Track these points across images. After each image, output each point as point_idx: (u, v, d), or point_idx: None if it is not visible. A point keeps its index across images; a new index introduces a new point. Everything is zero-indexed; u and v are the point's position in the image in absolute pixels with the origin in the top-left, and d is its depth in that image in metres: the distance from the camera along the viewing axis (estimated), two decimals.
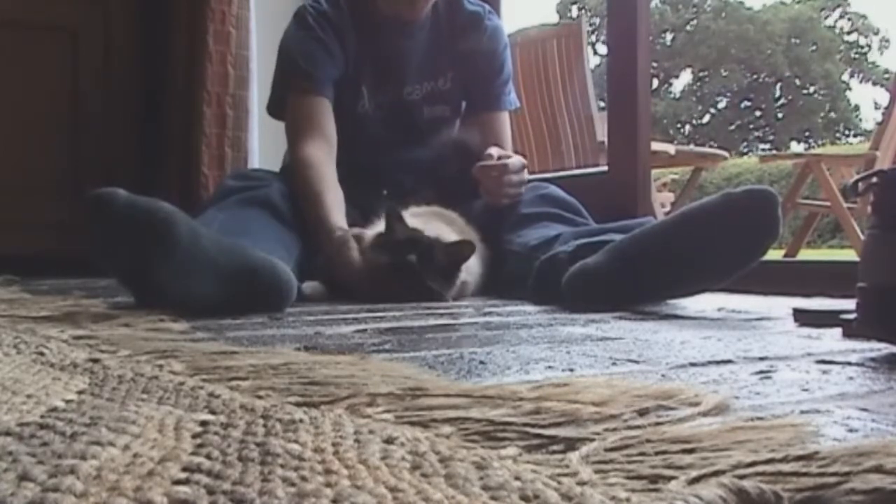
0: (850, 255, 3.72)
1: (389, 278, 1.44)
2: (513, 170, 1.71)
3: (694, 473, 0.36)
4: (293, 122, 1.78)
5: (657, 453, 0.41)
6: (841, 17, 25.13)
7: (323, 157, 1.70)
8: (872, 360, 0.79)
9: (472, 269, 1.57)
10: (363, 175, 1.80)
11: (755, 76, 24.52)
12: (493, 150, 1.70)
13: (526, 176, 1.77)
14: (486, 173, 1.69)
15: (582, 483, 0.36)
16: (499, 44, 1.93)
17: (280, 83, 1.85)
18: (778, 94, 24.90)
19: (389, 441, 0.42)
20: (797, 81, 24.31)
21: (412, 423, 0.47)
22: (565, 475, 0.37)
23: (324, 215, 1.59)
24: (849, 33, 25.07)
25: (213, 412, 0.49)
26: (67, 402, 0.52)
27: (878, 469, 0.35)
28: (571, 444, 0.43)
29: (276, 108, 1.88)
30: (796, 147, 21.75)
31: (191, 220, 1.20)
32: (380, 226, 1.52)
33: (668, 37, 24.92)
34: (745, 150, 22.87)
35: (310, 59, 1.78)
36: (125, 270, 1.22)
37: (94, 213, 1.15)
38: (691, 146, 10.11)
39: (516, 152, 1.89)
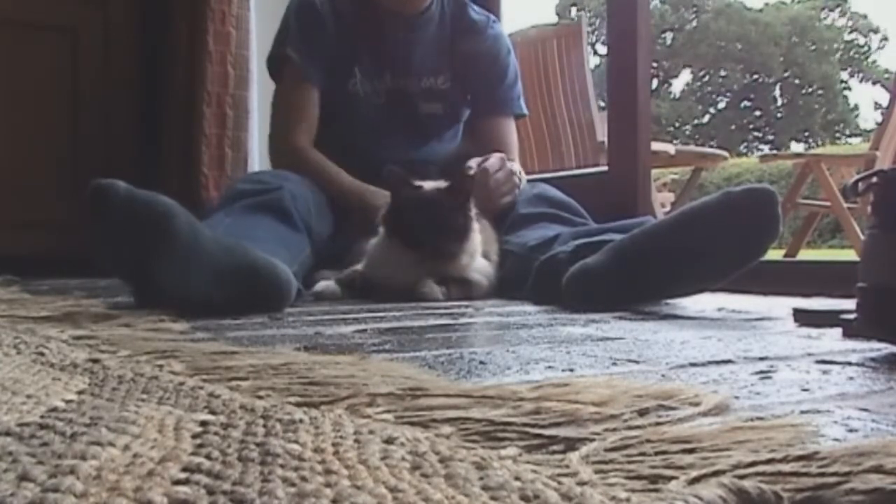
0: (850, 255, 3.72)
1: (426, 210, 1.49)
2: (494, 169, 1.72)
3: (694, 473, 0.36)
4: (282, 108, 1.92)
5: (657, 453, 0.41)
6: (841, 16, 25.14)
7: (309, 143, 1.86)
8: (872, 360, 0.79)
9: (484, 270, 1.58)
10: (359, 155, 1.84)
11: (755, 76, 24.53)
12: (470, 162, 1.73)
13: (512, 167, 1.78)
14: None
15: (582, 483, 0.36)
16: (501, 48, 1.96)
17: (277, 45, 1.94)
18: (778, 94, 24.90)
19: (389, 441, 0.42)
20: (797, 81, 24.32)
21: (412, 423, 0.47)
22: (565, 475, 0.37)
23: (356, 184, 1.78)
24: (849, 32, 25.07)
25: (213, 412, 0.49)
26: (67, 402, 0.52)
27: (878, 469, 0.35)
28: (571, 444, 0.43)
29: (272, 66, 1.98)
30: (796, 147, 21.76)
31: (191, 216, 1.20)
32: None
33: (668, 37, 24.92)
34: (745, 150, 22.87)
35: (303, 45, 1.86)
36: (124, 264, 1.22)
37: (94, 204, 1.15)
38: (691, 146, 10.10)
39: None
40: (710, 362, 0.76)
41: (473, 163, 1.72)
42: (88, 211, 1.17)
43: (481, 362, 0.75)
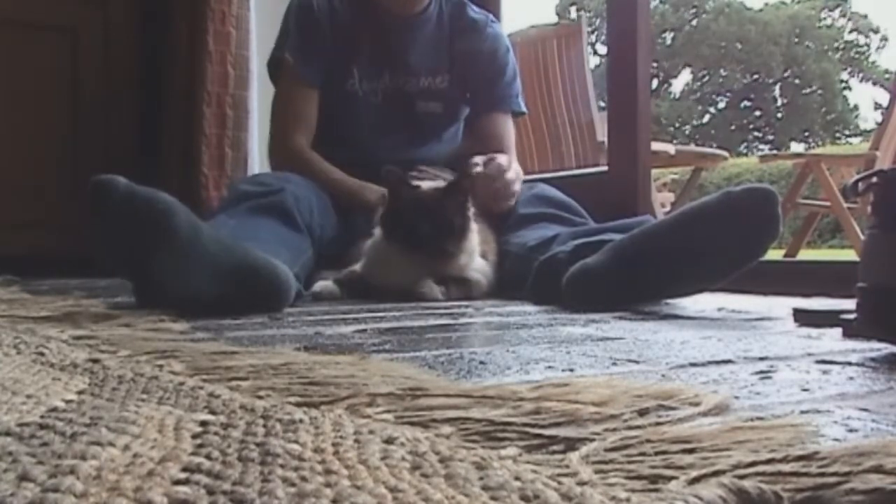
0: (850, 255, 3.72)
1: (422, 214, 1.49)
2: (499, 172, 1.71)
3: (694, 473, 0.36)
4: (280, 111, 1.92)
5: (657, 453, 0.41)
6: (841, 16, 25.13)
7: (307, 144, 1.87)
8: (872, 360, 0.79)
9: (483, 269, 1.58)
10: (359, 155, 1.84)
11: (755, 76, 24.52)
12: (476, 159, 1.72)
13: (515, 169, 1.77)
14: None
15: (582, 483, 0.36)
16: (500, 47, 1.96)
17: (275, 48, 1.96)
18: (778, 94, 24.90)
19: (389, 441, 0.42)
20: (797, 81, 24.31)
21: (412, 423, 0.47)
22: (565, 475, 0.37)
23: (351, 181, 1.80)
24: (849, 32, 25.07)
25: (213, 412, 0.49)
26: (67, 402, 0.52)
27: (878, 469, 0.35)
28: (571, 444, 0.43)
29: (271, 69, 2.00)
30: (796, 147, 21.74)
31: (191, 214, 1.20)
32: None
33: (668, 37, 24.91)
34: (745, 150, 22.86)
35: (300, 48, 1.87)
36: (124, 261, 1.22)
37: (95, 200, 1.15)
38: (691, 146, 10.10)
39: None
40: (710, 362, 0.76)
41: (479, 160, 1.72)
42: (88, 207, 1.17)
43: (481, 362, 0.75)
